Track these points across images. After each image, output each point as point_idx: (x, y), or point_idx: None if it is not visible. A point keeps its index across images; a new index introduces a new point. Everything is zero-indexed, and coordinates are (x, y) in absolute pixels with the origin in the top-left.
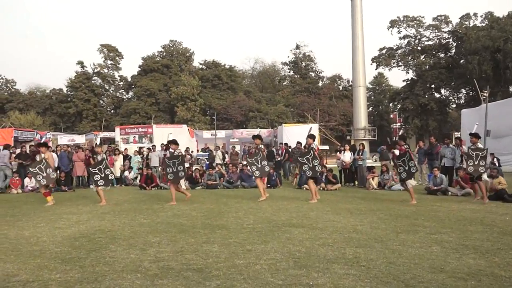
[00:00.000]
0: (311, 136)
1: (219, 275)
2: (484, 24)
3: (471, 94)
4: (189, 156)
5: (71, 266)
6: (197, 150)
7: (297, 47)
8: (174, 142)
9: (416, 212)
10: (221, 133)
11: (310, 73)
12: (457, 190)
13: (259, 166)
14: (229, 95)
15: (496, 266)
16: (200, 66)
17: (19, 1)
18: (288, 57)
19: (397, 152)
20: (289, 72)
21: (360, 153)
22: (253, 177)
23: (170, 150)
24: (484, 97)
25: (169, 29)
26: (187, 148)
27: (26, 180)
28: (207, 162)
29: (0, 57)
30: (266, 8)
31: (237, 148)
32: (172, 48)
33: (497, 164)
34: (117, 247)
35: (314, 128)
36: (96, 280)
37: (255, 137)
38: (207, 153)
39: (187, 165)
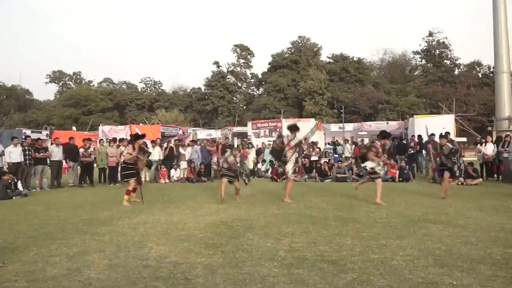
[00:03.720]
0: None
1: (354, 268)
2: None
3: None
4: (317, 149)
5: (214, 251)
6: (325, 143)
7: (430, 34)
8: (295, 127)
9: None
10: (349, 126)
11: (445, 61)
12: None
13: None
14: (357, 87)
15: None
16: (328, 60)
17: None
18: (420, 45)
19: None
20: (421, 61)
21: (506, 145)
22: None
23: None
24: None
25: (298, 25)
26: (316, 141)
27: (172, 171)
28: (336, 155)
29: (148, 61)
30: None
31: (366, 141)
32: (300, 44)
33: None
34: (254, 235)
35: (449, 120)
36: (236, 265)
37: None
38: (332, 146)
39: (315, 158)
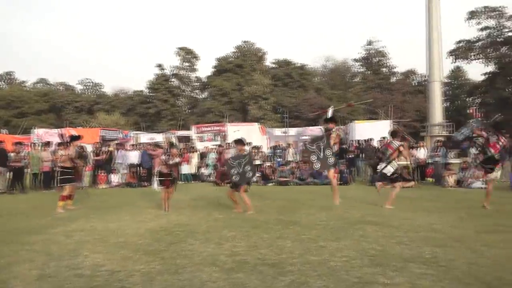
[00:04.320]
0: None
1: (293, 271)
2: None
3: None
4: (261, 153)
5: (153, 258)
6: (268, 148)
7: (369, 43)
8: (240, 142)
9: (498, 211)
10: (292, 131)
11: (383, 69)
12: None
13: (321, 156)
14: (300, 93)
15: None
16: (272, 65)
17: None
18: (360, 53)
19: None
20: (361, 68)
21: (437, 150)
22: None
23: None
24: None
25: (242, 30)
26: (259, 146)
27: (112, 176)
28: (279, 159)
29: (89, 63)
30: (337, 5)
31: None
32: (245, 49)
33: None
34: (194, 240)
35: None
36: (176, 272)
37: (328, 120)
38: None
39: (258, 162)
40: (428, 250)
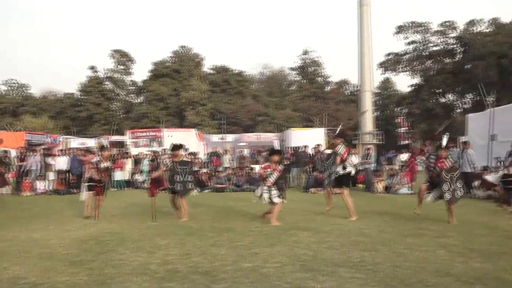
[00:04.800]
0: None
1: (226, 278)
2: (489, 30)
3: (476, 99)
4: (197, 160)
5: (80, 269)
6: (205, 154)
7: (305, 52)
8: (178, 147)
9: (422, 216)
10: (230, 137)
11: (318, 78)
12: (481, 193)
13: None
14: (238, 99)
15: (502, 270)
16: (210, 71)
17: (30, 7)
18: (296, 62)
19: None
20: (297, 77)
21: (368, 157)
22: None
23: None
24: (489, 102)
25: (180, 35)
26: (196, 152)
27: (37, 182)
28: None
29: (14, 62)
30: (274, 14)
31: (245, 152)
32: (182, 54)
33: None
34: (125, 249)
35: (320, 133)
36: (104, 282)
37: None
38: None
39: (195, 168)
40: (357, 254)
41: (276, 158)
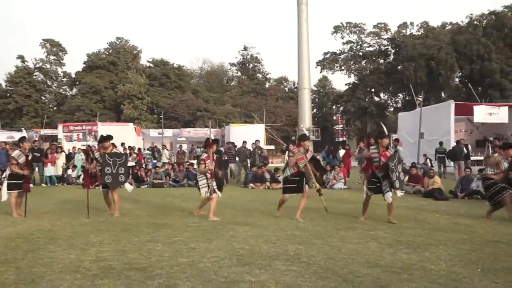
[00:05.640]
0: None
1: (162, 274)
2: (420, 33)
3: (407, 98)
4: (134, 155)
5: (6, 267)
6: (144, 149)
7: (245, 48)
8: (106, 138)
9: (355, 210)
10: (169, 132)
11: (257, 75)
12: (410, 188)
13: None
14: (177, 94)
15: (427, 260)
16: (148, 65)
17: None
18: (236, 58)
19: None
20: (237, 73)
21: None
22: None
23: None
24: (419, 102)
25: (116, 26)
26: (133, 146)
27: None
28: (154, 161)
29: None
30: (214, 8)
31: (184, 147)
32: (118, 46)
33: (429, 165)
34: (56, 247)
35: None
36: (32, 281)
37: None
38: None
39: (132, 163)
40: (293, 248)
41: (215, 147)
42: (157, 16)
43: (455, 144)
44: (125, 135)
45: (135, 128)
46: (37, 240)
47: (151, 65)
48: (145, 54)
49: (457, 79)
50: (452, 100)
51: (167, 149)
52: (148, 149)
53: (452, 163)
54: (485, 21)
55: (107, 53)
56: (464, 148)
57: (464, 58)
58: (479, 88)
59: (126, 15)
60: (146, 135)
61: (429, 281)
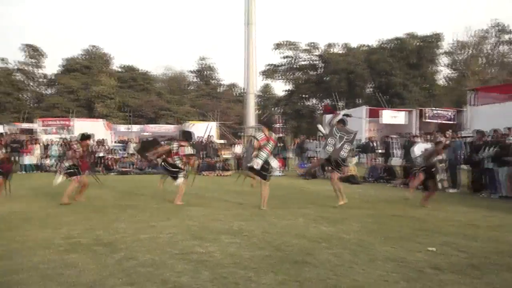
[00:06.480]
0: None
1: (124, 248)
2: (342, 52)
3: (332, 103)
4: (106, 147)
5: None
6: (113, 141)
7: (202, 58)
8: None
9: (289, 192)
10: (135, 128)
11: (212, 81)
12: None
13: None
14: (143, 95)
15: (342, 232)
16: (119, 70)
17: None
18: (194, 66)
19: None
20: (195, 79)
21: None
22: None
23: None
24: (340, 106)
25: (91, 35)
26: (103, 139)
27: None
28: (123, 151)
29: None
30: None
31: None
32: (92, 52)
33: None
34: (31, 226)
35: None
36: (6, 257)
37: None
38: (123, 145)
39: (102, 154)
40: (237, 224)
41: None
42: (129, 28)
43: (367, 140)
44: (96, 129)
45: (105, 123)
46: (12, 221)
47: (121, 70)
48: (117, 60)
49: (369, 89)
50: (366, 106)
51: (133, 142)
52: (117, 142)
53: (364, 155)
54: (391, 44)
55: (82, 58)
56: (374, 143)
57: (375, 73)
58: (386, 96)
59: (101, 25)
60: (116, 129)
61: (342, 248)
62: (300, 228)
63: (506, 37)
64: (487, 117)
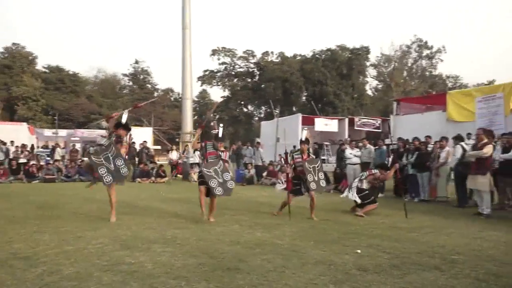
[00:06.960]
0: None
1: (47, 261)
2: (278, 60)
3: (268, 110)
4: (26, 152)
5: None
6: (37, 147)
7: (136, 62)
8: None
9: (224, 199)
10: (63, 132)
11: (147, 85)
12: (268, 180)
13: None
14: (72, 98)
15: (275, 237)
16: (44, 70)
17: None
18: (128, 69)
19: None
20: (129, 82)
21: (184, 152)
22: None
23: None
24: (276, 113)
25: (13, 33)
26: (25, 144)
27: None
28: (48, 158)
29: None
30: (110, 24)
31: (77, 146)
32: (14, 51)
33: (283, 162)
34: None
35: (148, 132)
36: None
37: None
38: (48, 150)
39: (24, 160)
40: (170, 232)
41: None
42: (56, 26)
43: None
44: (18, 134)
45: (28, 127)
46: None
47: (47, 70)
48: (42, 60)
49: (304, 97)
50: (300, 113)
51: (60, 148)
52: (42, 147)
53: None
54: (323, 55)
55: (2, 57)
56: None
57: (309, 82)
58: (319, 105)
59: (24, 22)
60: (40, 134)
61: (276, 253)
62: (235, 235)
63: (426, 52)
64: (409, 126)
